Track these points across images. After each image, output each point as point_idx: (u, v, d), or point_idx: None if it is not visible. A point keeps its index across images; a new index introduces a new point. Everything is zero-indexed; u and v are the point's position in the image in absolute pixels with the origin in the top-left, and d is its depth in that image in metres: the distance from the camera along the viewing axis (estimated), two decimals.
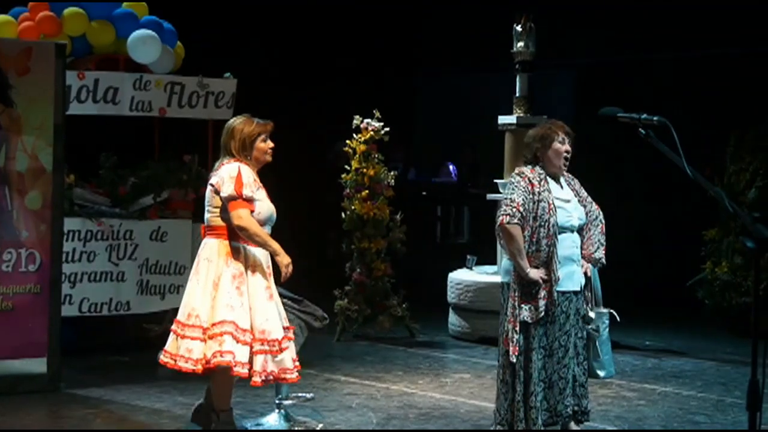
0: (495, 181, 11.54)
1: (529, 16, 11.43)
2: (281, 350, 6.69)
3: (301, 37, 15.54)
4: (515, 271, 6.68)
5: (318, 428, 7.45)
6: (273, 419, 7.49)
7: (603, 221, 6.91)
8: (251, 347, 6.67)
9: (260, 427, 7.43)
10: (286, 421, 7.46)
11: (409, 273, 11.98)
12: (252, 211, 6.72)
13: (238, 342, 6.63)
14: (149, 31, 10.07)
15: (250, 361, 6.68)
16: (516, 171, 6.82)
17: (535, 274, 6.59)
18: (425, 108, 17.84)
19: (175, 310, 10.14)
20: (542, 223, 6.59)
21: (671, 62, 14.44)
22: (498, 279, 10.98)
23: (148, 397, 8.36)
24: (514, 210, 6.58)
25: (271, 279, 6.87)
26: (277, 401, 7.50)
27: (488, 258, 11.77)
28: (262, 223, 6.79)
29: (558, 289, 6.61)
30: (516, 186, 6.68)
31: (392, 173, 11.03)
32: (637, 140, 5.00)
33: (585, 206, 6.84)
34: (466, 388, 8.93)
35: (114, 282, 9.75)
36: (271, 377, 6.72)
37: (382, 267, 10.94)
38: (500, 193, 11.41)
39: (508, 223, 6.58)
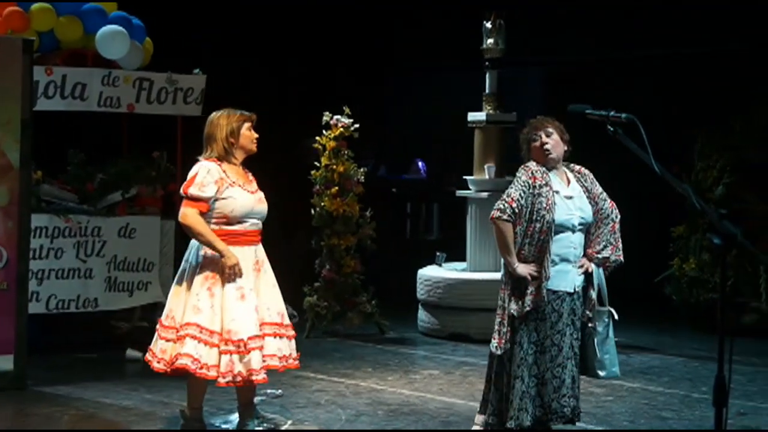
0: (465, 177, 11.56)
1: (499, 13, 11.47)
2: (248, 351, 6.64)
3: (272, 33, 15.50)
4: (506, 266, 6.67)
5: (286, 425, 7.43)
6: None
7: (616, 220, 6.77)
8: (218, 347, 6.65)
9: (228, 425, 7.40)
10: (254, 418, 7.44)
11: (378, 270, 11.97)
12: (202, 211, 6.69)
13: (205, 344, 6.61)
14: (118, 27, 10.02)
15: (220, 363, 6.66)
16: (523, 164, 6.78)
17: (523, 269, 6.54)
18: (396, 105, 17.83)
19: (143, 307, 10.20)
20: (538, 218, 6.51)
21: (640, 61, 14.49)
22: (467, 276, 11.13)
23: (116, 394, 8.32)
24: (506, 205, 6.53)
25: (252, 278, 6.79)
26: None
27: (458, 255, 11.80)
28: (238, 220, 6.76)
29: (549, 287, 6.53)
30: (517, 180, 6.63)
31: (362, 170, 11.02)
32: (606, 137, 5.02)
33: (597, 203, 6.72)
34: (435, 385, 8.94)
35: (82, 279, 9.69)
36: (239, 378, 6.67)
37: (352, 264, 10.94)
38: (470, 189, 11.46)
39: (498, 218, 6.55)
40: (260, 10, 15.12)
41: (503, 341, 6.61)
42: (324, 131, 10.89)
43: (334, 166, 10.81)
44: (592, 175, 6.88)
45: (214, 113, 7.00)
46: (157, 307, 10.10)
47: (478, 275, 11.13)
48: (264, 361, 6.75)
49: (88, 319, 10.12)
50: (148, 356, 6.94)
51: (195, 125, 10.63)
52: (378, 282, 11.35)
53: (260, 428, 7.33)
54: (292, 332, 7.06)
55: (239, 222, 6.78)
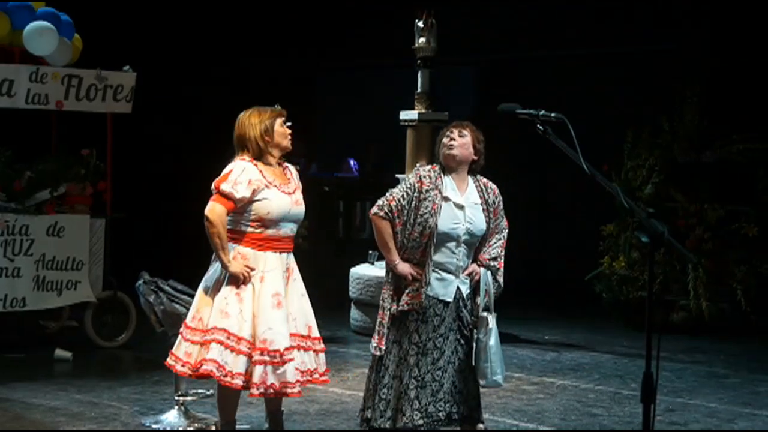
0: (397, 176, 11.56)
1: (431, 12, 11.48)
2: (283, 362, 6.32)
3: (202, 29, 15.41)
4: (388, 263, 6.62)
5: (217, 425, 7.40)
6: (172, 416, 7.42)
7: (506, 238, 6.72)
8: (250, 357, 6.33)
9: (159, 425, 7.36)
10: (185, 418, 7.40)
11: (310, 268, 11.92)
12: (229, 210, 6.38)
13: (232, 351, 6.30)
14: (46, 23, 9.90)
15: (250, 372, 6.34)
16: (419, 164, 6.76)
17: (403, 268, 6.49)
18: (328, 102, 17.82)
19: (72, 307, 10.08)
20: (420, 222, 6.45)
21: (571, 59, 14.60)
22: None
23: (45, 394, 8.23)
24: (385, 202, 6.50)
25: (286, 285, 6.58)
26: (176, 398, 7.44)
27: None
28: (274, 224, 6.49)
29: (430, 293, 6.49)
30: (404, 181, 6.63)
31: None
32: (537, 136, 5.04)
33: (496, 219, 6.65)
34: None
35: (9, 278, 9.56)
36: (271, 390, 6.34)
37: None
38: None
39: (375, 214, 6.52)
40: (190, 4, 15.02)
41: (383, 341, 6.57)
42: None
43: None
44: (497, 191, 6.75)
45: (242, 113, 6.70)
46: (87, 306, 10.04)
47: None
48: (302, 374, 6.46)
49: (16, 318, 10.00)
50: (170, 360, 6.51)
51: (125, 123, 10.60)
52: (310, 280, 11.28)
53: (191, 428, 7.30)
54: (320, 345, 6.69)
55: (275, 226, 6.50)
